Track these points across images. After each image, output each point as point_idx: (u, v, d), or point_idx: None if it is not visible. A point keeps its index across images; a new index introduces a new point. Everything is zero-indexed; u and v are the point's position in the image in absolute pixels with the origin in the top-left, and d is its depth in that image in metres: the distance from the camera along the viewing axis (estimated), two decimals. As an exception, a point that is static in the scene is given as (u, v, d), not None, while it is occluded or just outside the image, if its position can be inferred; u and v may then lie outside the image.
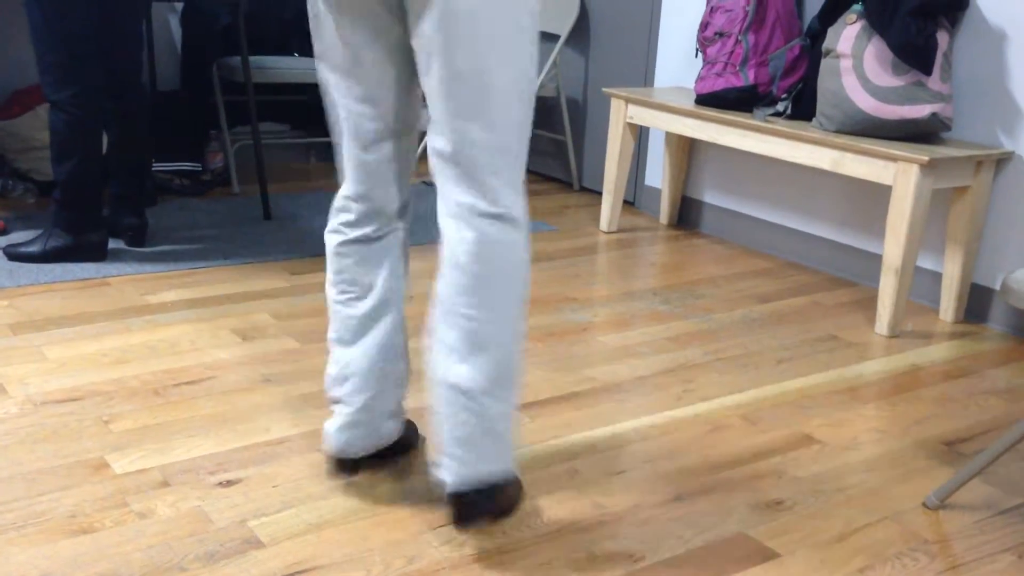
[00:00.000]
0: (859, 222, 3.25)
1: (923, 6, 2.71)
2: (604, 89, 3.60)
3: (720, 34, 3.24)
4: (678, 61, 3.75)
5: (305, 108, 4.43)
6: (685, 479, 1.95)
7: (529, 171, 4.62)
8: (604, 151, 4.19)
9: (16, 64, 3.89)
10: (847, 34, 2.85)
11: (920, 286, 3.08)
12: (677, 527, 1.78)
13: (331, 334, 1.79)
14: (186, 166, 4.00)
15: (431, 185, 4.17)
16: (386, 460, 1.94)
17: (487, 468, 1.61)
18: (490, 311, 1.58)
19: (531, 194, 4.20)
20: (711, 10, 3.29)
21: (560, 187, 4.36)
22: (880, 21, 2.76)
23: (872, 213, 3.20)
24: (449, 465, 1.62)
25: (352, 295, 1.76)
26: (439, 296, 1.62)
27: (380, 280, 1.77)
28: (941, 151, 2.70)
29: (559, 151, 4.41)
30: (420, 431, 2.05)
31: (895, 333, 2.80)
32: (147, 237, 3.26)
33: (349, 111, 1.69)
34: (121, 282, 2.87)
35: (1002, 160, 2.83)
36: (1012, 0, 2.75)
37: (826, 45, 2.92)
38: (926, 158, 2.63)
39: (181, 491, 1.80)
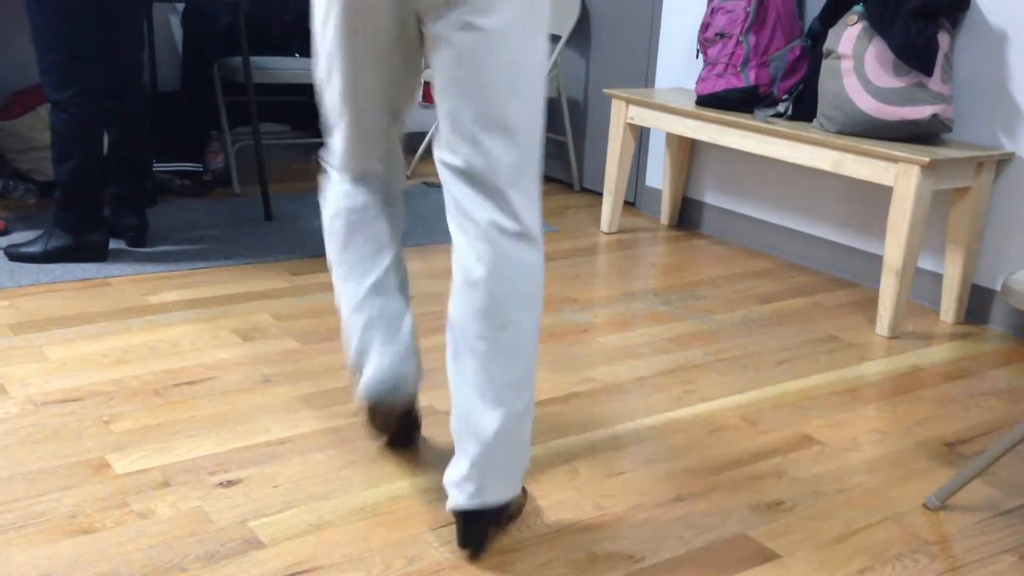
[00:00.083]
0: (860, 223, 3.25)
1: (924, 7, 2.71)
2: (605, 90, 3.60)
3: (721, 35, 3.24)
4: (679, 62, 3.75)
5: (306, 108, 4.43)
6: (685, 480, 1.95)
7: (530, 172, 4.61)
8: (605, 152, 4.19)
9: (17, 64, 3.89)
10: (848, 35, 2.85)
11: (921, 287, 3.08)
12: (677, 528, 1.78)
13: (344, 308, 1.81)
14: (187, 166, 4.00)
15: (432, 186, 4.16)
16: (396, 448, 1.94)
17: (503, 492, 1.61)
18: (512, 333, 1.56)
19: (532, 195, 4.20)
20: (712, 11, 3.29)
21: (561, 188, 4.36)
22: (881, 22, 2.76)
23: (873, 214, 3.20)
24: (466, 489, 1.60)
25: (358, 270, 1.79)
26: (453, 318, 1.59)
27: (381, 253, 1.81)
28: (942, 152, 2.70)
29: (560, 152, 4.41)
30: (423, 427, 2.06)
31: (896, 334, 2.80)
32: (148, 237, 3.26)
33: (354, 92, 1.69)
34: (122, 282, 2.87)
35: (1003, 161, 2.83)
36: (1013, 1, 2.75)
37: (827, 46, 2.92)
38: (927, 159, 2.63)
39: (181, 491, 1.80)
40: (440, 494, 1.84)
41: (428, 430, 2.08)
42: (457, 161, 1.56)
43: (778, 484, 1.95)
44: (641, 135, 3.97)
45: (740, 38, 3.19)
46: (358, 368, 1.81)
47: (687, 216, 3.83)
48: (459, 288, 1.59)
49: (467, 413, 1.59)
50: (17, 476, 1.82)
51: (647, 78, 3.91)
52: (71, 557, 1.59)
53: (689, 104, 3.32)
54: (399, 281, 1.85)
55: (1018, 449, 2.14)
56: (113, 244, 3.16)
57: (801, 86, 3.13)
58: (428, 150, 4.65)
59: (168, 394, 2.18)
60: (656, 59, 3.84)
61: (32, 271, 2.88)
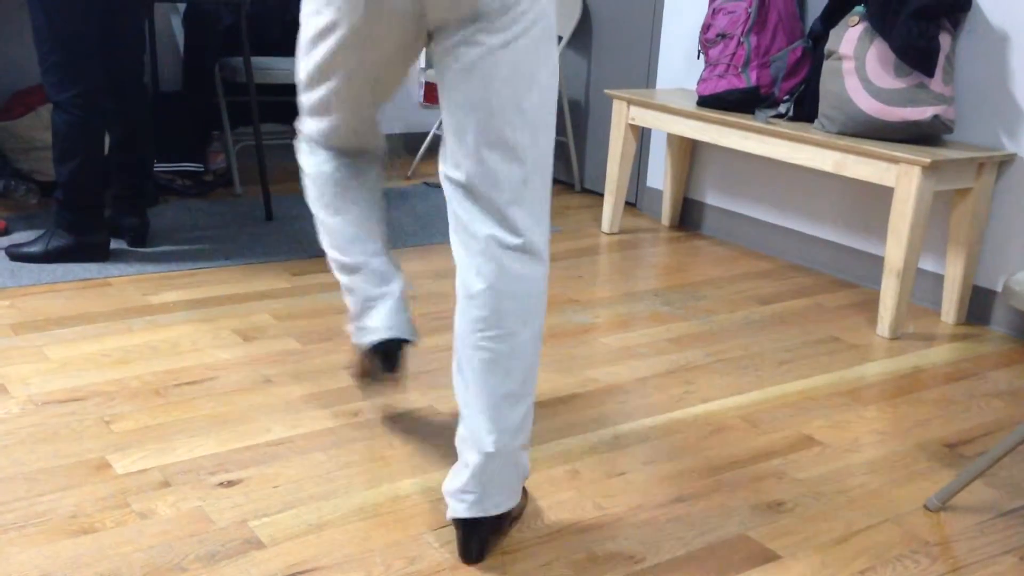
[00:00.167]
0: (861, 224, 3.24)
1: (925, 8, 2.71)
2: (606, 90, 3.60)
3: (722, 36, 3.24)
4: (680, 63, 3.75)
5: (307, 109, 4.42)
6: (686, 480, 1.95)
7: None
8: (606, 152, 4.19)
9: (18, 65, 3.90)
10: (849, 36, 2.85)
11: (922, 288, 3.08)
12: (678, 528, 1.78)
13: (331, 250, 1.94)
14: (188, 167, 4.00)
15: (432, 186, 4.17)
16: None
17: (503, 501, 1.62)
18: (513, 347, 1.57)
19: (533, 195, 4.20)
20: (713, 12, 3.29)
21: (562, 188, 4.36)
22: (882, 23, 2.76)
23: (874, 215, 3.20)
24: (465, 498, 1.61)
25: (339, 208, 1.91)
26: (456, 332, 1.61)
27: (362, 193, 1.91)
28: (943, 153, 2.70)
29: (561, 152, 4.41)
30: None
31: (897, 335, 2.80)
32: (149, 237, 3.27)
33: (347, 96, 1.74)
34: (123, 282, 2.87)
35: (1004, 162, 2.83)
36: (1014, 2, 2.75)
37: (828, 47, 2.92)
38: (928, 160, 2.62)
39: (182, 491, 1.80)
40: (440, 494, 1.84)
41: (428, 430, 2.08)
42: (460, 176, 1.57)
43: (779, 485, 1.95)
44: (642, 136, 3.97)
45: (741, 39, 3.19)
46: (361, 316, 1.96)
47: (688, 217, 3.83)
48: (460, 302, 1.60)
49: (469, 424, 1.60)
50: (18, 476, 1.82)
51: (648, 79, 3.91)
52: (72, 557, 1.59)
53: (690, 105, 3.32)
54: (385, 241, 1.99)
55: (1019, 450, 2.14)
56: (114, 244, 3.16)
57: (802, 87, 3.13)
58: (429, 150, 4.65)
59: (169, 394, 2.18)
60: (657, 60, 3.84)
61: (33, 271, 2.89)
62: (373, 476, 1.89)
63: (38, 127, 3.59)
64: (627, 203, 4.08)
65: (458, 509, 1.61)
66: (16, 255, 2.96)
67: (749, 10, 3.17)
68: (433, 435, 2.06)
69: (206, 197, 3.84)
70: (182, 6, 4.14)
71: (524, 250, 1.57)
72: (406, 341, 1.95)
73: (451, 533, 1.72)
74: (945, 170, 2.71)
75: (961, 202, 2.85)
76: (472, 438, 1.59)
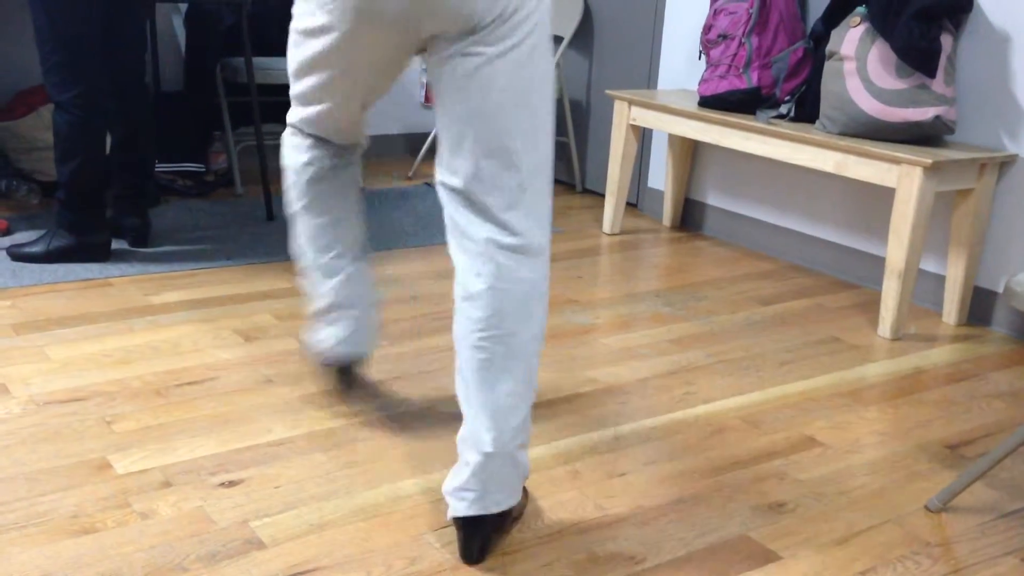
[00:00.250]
0: (862, 225, 3.24)
1: (927, 9, 2.70)
2: (607, 91, 3.60)
3: (723, 36, 3.24)
4: (681, 63, 3.75)
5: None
6: (687, 481, 1.95)
7: (532, 173, 4.61)
8: (607, 153, 4.19)
9: (20, 65, 3.90)
10: (851, 37, 2.85)
11: (923, 289, 3.08)
12: (679, 529, 1.78)
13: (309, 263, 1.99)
14: (189, 167, 4.00)
15: (433, 186, 4.16)
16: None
17: (503, 500, 1.62)
18: (511, 348, 1.57)
19: (534, 196, 4.20)
20: (715, 12, 3.29)
21: (563, 189, 4.36)
22: (884, 24, 2.76)
23: (875, 216, 3.20)
24: (465, 497, 1.61)
25: (322, 218, 1.95)
26: (455, 334, 1.62)
27: (343, 202, 1.96)
28: (944, 154, 2.70)
29: (562, 153, 4.41)
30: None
31: (898, 336, 2.80)
32: (150, 238, 3.27)
33: (337, 95, 1.78)
34: (124, 282, 2.87)
35: (1005, 163, 2.83)
36: (1016, 3, 2.75)
37: (829, 48, 2.92)
38: (929, 161, 2.62)
39: (183, 491, 1.80)
40: (441, 494, 1.84)
41: (429, 431, 2.08)
42: (457, 182, 1.58)
43: (780, 486, 1.95)
44: (643, 136, 3.97)
45: (743, 39, 3.19)
46: (323, 322, 2.03)
47: (689, 217, 3.83)
48: (459, 303, 1.60)
49: (469, 423, 1.60)
50: (19, 476, 1.82)
51: (649, 79, 3.91)
52: (73, 557, 1.60)
53: (691, 105, 3.32)
54: (363, 245, 2.03)
55: (1020, 451, 2.13)
56: (115, 244, 3.17)
57: (803, 87, 3.13)
58: (430, 151, 4.65)
59: (170, 394, 2.19)
60: (659, 60, 3.84)
61: (34, 271, 2.89)
62: (374, 476, 1.89)
63: (40, 127, 3.60)
64: (628, 204, 4.08)
65: (458, 508, 1.61)
66: (17, 255, 2.96)
67: (750, 11, 3.17)
68: (434, 435, 2.06)
69: (207, 197, 3.84)
70: (183, 6, 4.14)
71: (523, 251, 1.57)
72: (363, 356, 2.07)
73: (452, 533, 1.72)
74: (946, 171, 2.71)
75: (962, 203, 2.85)
76: (472, 438, 1.59)
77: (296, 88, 1.81)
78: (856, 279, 3.28)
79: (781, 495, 1.91)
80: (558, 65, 4.10)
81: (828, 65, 2.92)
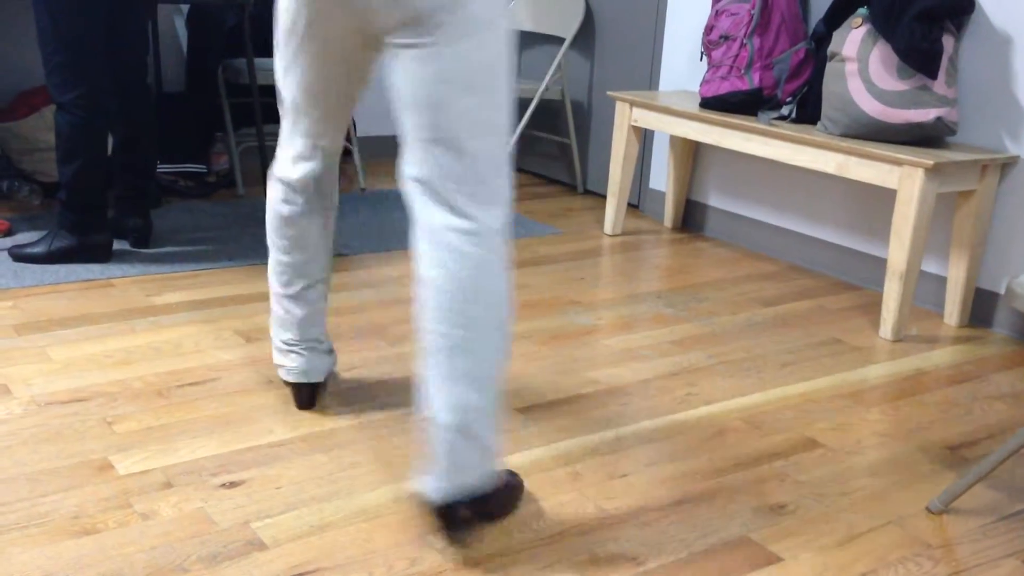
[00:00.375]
0: (864, 226, 3.24)
1: (929, 10, 2.70)
2: (609, 92, 3.60)
3: (725, 37, 3.24)
4: (683, 64, 3.75)
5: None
6: (688, 482, 1.95)
7: (533, 174, 4.62)
8: (608, 154, 4.19)
9: (21, 66, 3.90)
10: (852, 38, 2.85)
11: (925, 290, 3.08)
12: (680, 530, 1.78)
13: (279, 288, 2.05)
14: (191, 168, 4.01)
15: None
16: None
17: (471, 481, 1.63)
18: (468, 329, 1.60)
19: (535, 197, 4.20)
20: (716, 13, 3.29)
21: (564, 190, 4.36)
22: (886, 25, 2.76)
23: (877, 217, 3.20)
24: (431, 480, 1.63)
25: (293, 252, 2.02)
26: (420, 318, 1.65)
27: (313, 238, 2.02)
28: (946, 155, 2.70)
29: (563, 154, 4.41)
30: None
31: (899, 337, 2.80)
32: (151, 238, 3.27)
33: (309, 91, 1.85)
34: (125, 283, 2.87)
35: (1007, 164, 2.83)
36: (1017, 5, 2.75)
37: (831, 49, 2.92)
38: (931, 162, 2.62)
39: (184, 492, 1.80)
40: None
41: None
42: (413, 171, 1.63)
43: (781, 487, 1.95)
44: (645, 137, 3.97)
45: (744, 40, 3.19)
46: (286, 346, 2.08)
47: (690, 218, 3.83)
48: (420, 289, 1.65)
49: (431, 408, 1.63)
50: (20, 476, 1.83)
51: (651, 80, 3.91)
52: (74, 558, 1.60)
53: (693, 106, 3.32)
54: (327, 285, 2.10)
55: (1022, 453, 2.13)
56: (117, 245, 3.17)
57: (805, 89, 3.13)
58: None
59: (171, 395, 2.19)
60: (660, 61, 3.84)
61: (36, 272, 2.89)
62: (375, 478, 1.89)
63: (41, 128, 3.60)
64: (629, 205, 4.08)
65: (424, 491, 1.64)
66: (19, 256, 2.96)
67: (752, 12, 3.17)
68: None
69: (209, 198, 3.85)
70: (185, 7, 4.15)
71: (475, 234, 1.61)
72: (320, 381, 2.12)
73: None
74: (948, 172, 2.71)
75: (964, 204, 2.84)
76: (435, 421, 1.62)
77: (280, 89, 1.88)
78: (857, 280, 3.28)
79: (782, 496, 1.91)
80: (560, 66, 4.10)
81: (830, 66, 2.92)
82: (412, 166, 1.64)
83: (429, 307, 1.62)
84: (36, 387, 2.19)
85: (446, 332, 1.60)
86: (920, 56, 2.71)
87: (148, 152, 3.17)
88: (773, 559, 1.71)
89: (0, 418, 2.04)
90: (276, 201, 2.01)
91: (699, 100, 3.40)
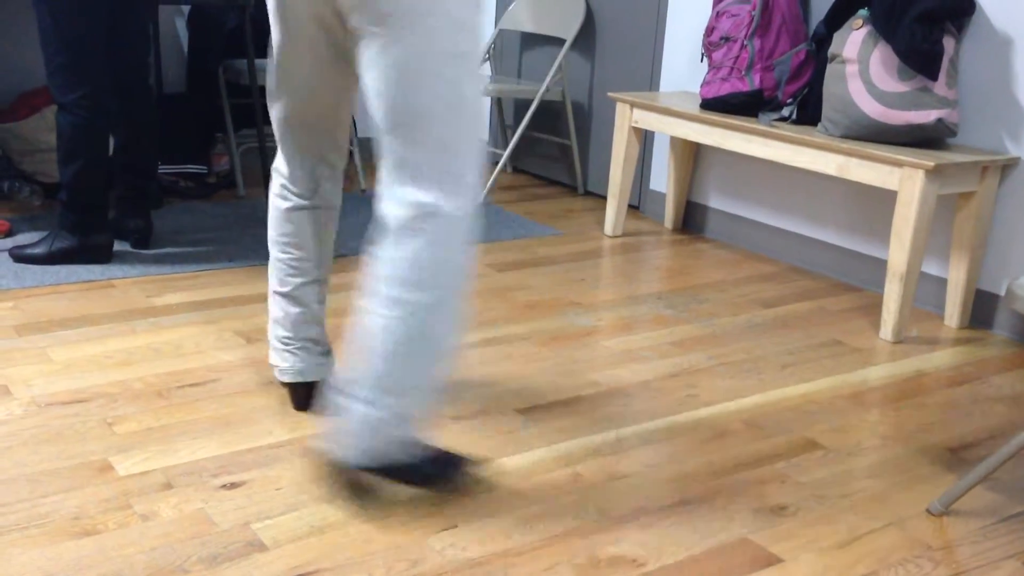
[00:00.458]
0: (864, 227, 3.24)
1: (929, 12, 2.70)
2: (609, 93, 3.60)
3: (726, 39, 3.24)
4: (684, 65, 3.75)
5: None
6: (688, 484, 1.95)
7: (533, 175, 4.62)
8: (609, 155, 4.19)
9: (22, 67, 3.90)
10: (853, 39, 2.85)
11: (925, 292, 3.08)
12: (680, 532, 1.78)
13: (278, 287, 2.05)
14: (192, 169, 4.01)
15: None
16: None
17: (382, 449, 1.73)
18: (407, 307, 1.66)
19: (535, 198, 4.21)
20: (717, 15, 3.29)
21: (565, 191, 4.36)
22: (886, 26, 2.76)
23: (877, 218, 3.20)
24: (342, 442, 1.73)
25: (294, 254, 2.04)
26: (367, 286, 1.73)
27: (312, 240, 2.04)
28: (946, 157, 2.70)
29: (564, 155, 4.41)
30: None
31: (900, 339, 2.80)
32: (152, 239, 3.27)
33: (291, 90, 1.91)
34: (126, 284, 2.87)
35: (1008, 166, 2.83)
36: (1018, 6, 2.75)
37: (832, 50, 2.92)
38: (931, 163, 2.62)
39: (184, 493, 1.81)
40: (442, 498, 1.84)
41: (431, 432, 2.08)
42: (382, 153, 1.70)
43: (781, 488, 1.95)
44: (645, 139, 3.97)
45: (745, 42, 3.19)
46: (281, 344, 2.08)
47: (691, 220, 3.83)
48: (372, 266, 1.72)
49: (351, 370, 1.71)
50: (20, 477, 1.83)
51: (652, 82, 3.91)
52: (74, 559, 1.60)
53: (693, 108, 3.32)
54: (322, 292, 2.09)
55: (1022, 454, 2.13)
56: (117, 246, 3.17)
57: (806, 90, 3.13)
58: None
59: (171, 396, 2.19)
60: (661, 63, 3.84)
61: (36, 273, 2.89)
62: (375, 479, 1.89)
63: (42, 129, 3.60)
64: (630, 206, 4.08)
65: (333, 447, 1.73)
66: (20, 257, 2.96)
67: (753, 13, 3.17)
68: (434, 438, 2.06)
69: (209, 199, 3.85)
70: (186, 8, 4.15)
71: (429, 218, 1.66)
72: (317, 381, 2.12)
73: (453, 536, 1.72)
74: (948, 174, 2.71)
75: (964, 206, 2.84)
76: (353, 381, 1.70)
77: (267, 84, 1.96)
78: (858, 282, 3.28)
79: (782, 498, 1.91)
80: (561, 67, 4.10)
81: (830, 68, 2.92)
82: (380, 149, 1.71)
83: (375, 279, 1.68)
84: (36, 388, 2.19)
85: (386, 306, 1.66)
86: (921, 57, 2.71)
87: (149, 153, 3.17)
88: (773, 560, 1.71)
89: (0, 419, 2.04)
90: (275, 195, 2.04)
91: (700, 101, 3.40)
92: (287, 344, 2.07)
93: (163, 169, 3.93)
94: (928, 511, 1.90)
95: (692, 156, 3.75)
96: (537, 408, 2.23)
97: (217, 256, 3.15)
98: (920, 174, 2.65)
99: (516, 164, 4.71)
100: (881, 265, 3.20)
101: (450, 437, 2.07)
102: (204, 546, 1.65)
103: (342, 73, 1.87)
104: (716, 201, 3.73)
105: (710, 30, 3.31)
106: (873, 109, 2.80)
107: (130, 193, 3.15)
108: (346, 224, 3.58)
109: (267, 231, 2.07)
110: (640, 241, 3.64)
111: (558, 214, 3.96)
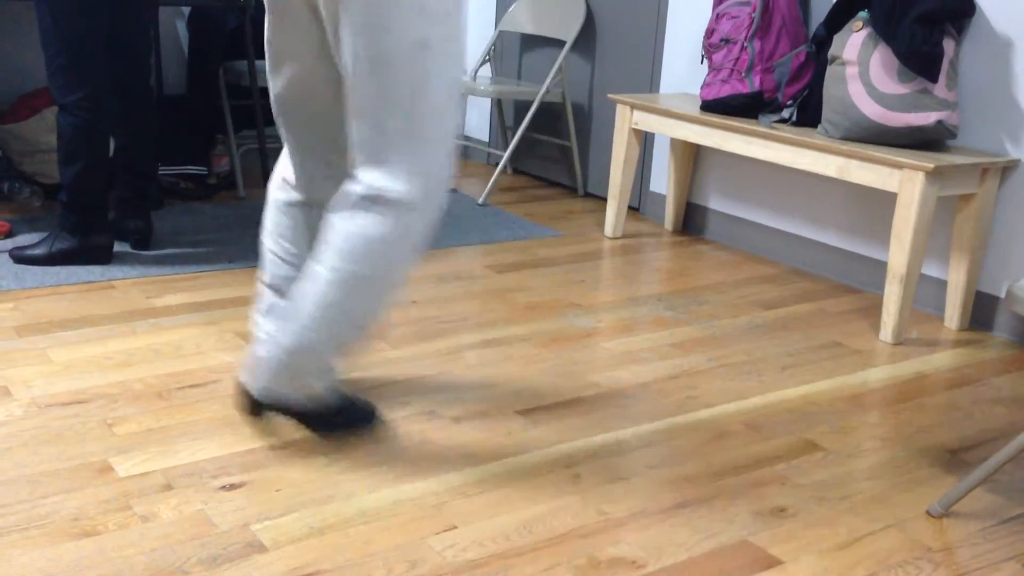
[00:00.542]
0: (864, 229, 3.24)
1: (929, 14, 2.71)
2: (610, 95, 3.60)
3: (726, 40, 3.24)
4: (684, 67, 3.75)
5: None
6: (688, 485, 1.95)
7: (534, 176, 4.62)
8: (609, 157, 4.19)
9: (22, 68, 3.91)
10: (853, 41, 2.85)
11: (925, 294, 3.08)
12: (680, 534, 1.78)
13: (267, 279, 2.08)
14: (192, 170, 4.01)
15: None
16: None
17: (288, 394, 1.89)
18: (333, 274, 1.77)
19: (535, 199, 4.21)
20: (717, 17, 3.29)
21: (565, 192, 4.36)
22: (886, 28, 2.76)
23: (877, 220, 3.20)
24: (256, 376, 1.90)
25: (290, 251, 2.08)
26: (318, 244, 1.85)
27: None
28: (946, 158, 2.70)
29: (564, 157, 4.41)
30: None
31: (900, 341, 2.80)
32: (152, 240, 3.27)
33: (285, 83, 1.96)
34: (126, 285, 2.87)
35: (1008, 168, 2.83)
36: (1018, 8, 2.75)
37: (832, 52, 2.92)
38: (931, 165, 2.62)
39: (184, 494, 1.80)
40: (442, 499, 1.84)
41: (430, 434, 2.08)
42: (350, 135, 1.78)
43: (781, 490, 1.95)
44: (645, 140, 3.97)
45: (745, 44, 3.19)
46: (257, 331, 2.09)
47: (691, 221, 3.83)
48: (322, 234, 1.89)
49: (280, 318, 1.86)
50: (20, 478, 1.83)
51: (652, 83, 3.91)
52: (73, 560, 1.60)
53: (693, 109, 3.32)
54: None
55: (1022, 456, 2.13)
56: (118, 247, 3.17)
57: (806, 92, 3.13)
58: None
59: (171, 397, 2.19)
60: (661, 64, 3.84)
61: (37, 273, 2.89)
62: (375, 480, 1.89)
63: (43, 130, 3.60)
64: (630, 207, 4.08)
65: (249, 378, 1.90)
66: (20, 258, 2.96)
67: (753, 15, 3.17)
68: (434, 439, 2.06)
69: (210, 200, 3.85)
70: (187, 9, 4.15)
71: (384, 202, 1.74)
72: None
73: (454, 537, 1.72)
74: (948, 176, 2.71)
75: (964, 208, 2.84)
76: (277, 322, 1.85)
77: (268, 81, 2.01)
78: (858, 283, 3.28)
79: (782, 500, 1.91)
80: (561, 69, 4.10)
81: (830, 69, 2.92)
82: (350, 135, 1.79)
83: (324, 242, 1.79)
84: (36, 389, 2.19)
85: (325, 267, 1.77)
86: (921, 59, 2.71)
87: (149, 154, 3.17)
88: (773, 562, 1.71)
89: (0, 420, 2.04)
90: (275, 187, 2.08)
91: (700, 103, 3.40)
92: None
93: (163, 170, 3.93)
94: (928, 513, 1.90)
95: (692, 158, 3.75)
96: (537, 409, 2.23)
97: (217, 257, 3.15)
98: (920, 176, 2.65)
99: (516, 165, 4.71)
100: (881, 267, 3.20)
101: (450, 438, 2.07)
102: (204, 547, 1.65)
103: (336, 67, 1.89)
104: (716, 203, 3.73)
105: (710, 32, 3.31)
106: (873, 111, 2.80)
107: (130, 194, 3.15)
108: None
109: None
110: (640, 243, 3.64)
111: (558, 215, 3.96)
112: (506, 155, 4.16)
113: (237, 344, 2.49)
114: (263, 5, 4.08)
